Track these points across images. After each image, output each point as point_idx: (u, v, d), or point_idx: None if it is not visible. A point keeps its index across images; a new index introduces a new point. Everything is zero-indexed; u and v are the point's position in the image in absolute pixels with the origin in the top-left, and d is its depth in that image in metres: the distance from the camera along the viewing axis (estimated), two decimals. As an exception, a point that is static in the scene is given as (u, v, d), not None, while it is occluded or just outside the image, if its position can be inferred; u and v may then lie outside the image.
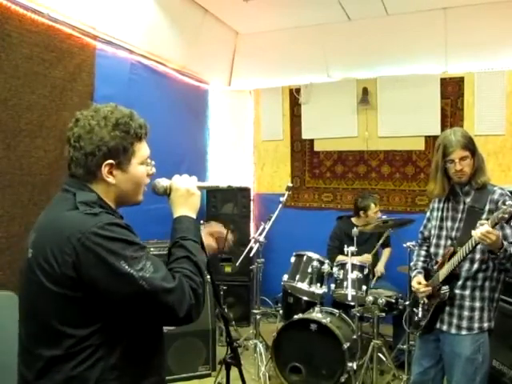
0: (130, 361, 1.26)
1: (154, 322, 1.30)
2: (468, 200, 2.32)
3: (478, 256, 2.24)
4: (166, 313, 1.22)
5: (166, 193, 1.46)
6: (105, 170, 1.29)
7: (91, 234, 1.17)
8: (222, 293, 4.37)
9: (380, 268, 4.12)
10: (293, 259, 3.91)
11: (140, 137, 1.35)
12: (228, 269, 4.95)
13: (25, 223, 2.93)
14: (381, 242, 4.01)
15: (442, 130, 4.58)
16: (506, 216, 1.98)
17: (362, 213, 4.22)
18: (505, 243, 2.11)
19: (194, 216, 1.42)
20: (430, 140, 4.77)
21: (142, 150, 1.37)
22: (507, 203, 2.02)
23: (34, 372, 1.24)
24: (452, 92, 4.70)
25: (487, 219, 2.11)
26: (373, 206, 4.18)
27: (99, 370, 1.21)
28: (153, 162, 1.42)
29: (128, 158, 1.32)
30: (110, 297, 1.19)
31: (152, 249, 3.46)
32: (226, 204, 5.10)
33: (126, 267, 1.17)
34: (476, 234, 2.06)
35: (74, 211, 1.23)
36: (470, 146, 2.26)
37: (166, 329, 3.85)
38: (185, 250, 1.31)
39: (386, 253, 4.35)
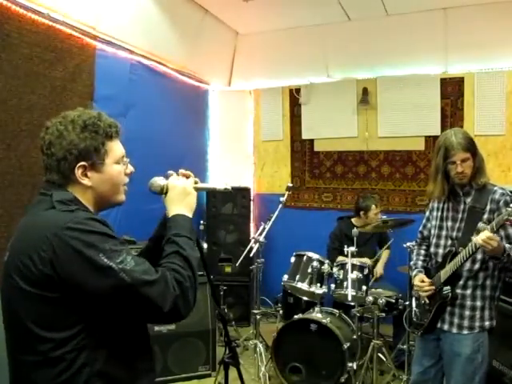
0: (116, 365, 1.23)
1: (137, 317, 1.27)
2: (468, 200, 2.32)
3: (479, 256, 2.23)
4: (148, 307, 1.19)
5: (163, 192, 1.45)
6: (78, 172, 1.28)
7: (68, 229, 1.16)
8: (222, 293, 4.37)
9: (379, 269, 4.11)
10: (293, 259, 3.91)
11: (111, 135, 1.34)
12: (228, 269, 4.95)
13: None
14: (383, 255, 4.09)
15: (442, 130, 4.58)
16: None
17: (362, 213, 4.22)
18: (506, 246, 2.12)
19: (190, 215, 1.41)
20: (430, 140, 4.77)
21: (115, 148, 1.35)
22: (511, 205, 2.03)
23: (20, 379, 1.23)
24: (452, 92, 4.70)
25: (485, 222, 2.11)
26: (373, 207, 4.18)
27: (85, 376, 1.18)
28: (128, 160, 1.41)
29: (101, 158, 1.31)
30: (90, 293, 1.16)
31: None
32: (225, 204, 5.09)
33: (106, 260, 1.15)
34: (477, 240, 2.06)
35: (51, 210, 1.22)
36: (471, 147, 2.26)
37: (166, 328, 3.87)
38: (176, 245, 1.30)
39: (384, 254, 4.35)
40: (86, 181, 1.29)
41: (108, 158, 1.32)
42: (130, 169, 1.41)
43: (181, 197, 1.41)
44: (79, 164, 1.27)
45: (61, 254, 1.14)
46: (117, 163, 1.35)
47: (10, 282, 1.21)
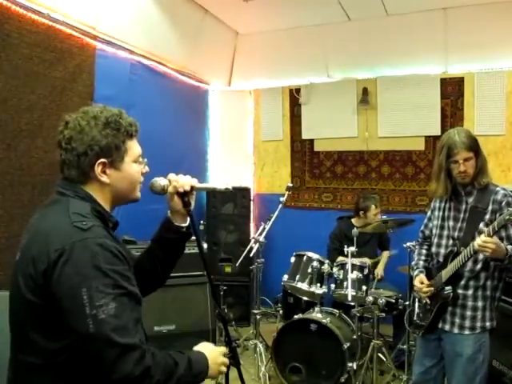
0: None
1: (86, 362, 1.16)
2: (470, 200, 2.32)
3: (481, 256, 2.23)
4: (98, 364, 1.12)
5: (164, 191, 1.47)
6: (98, 169, 1.27)
7: (70, 250, 1.14)
8: (222, 293, 4.37)
9: (379, 271, 4.09)
10: (293, 259, 3.90)
11: (131, 134, 1.34)
12: (228, 269, 4.95)
13: (25, 223, 2.93)
14: (383, 256, 4.13)
15: (442, 130, 4.59)
16: None
17: (361, 213, 4.22)
18: (509, 248, 2.11)
19: (207, 369, 1.35)
20: (430, 140, 4.77)
21: (134, 147, 1.36)
22: None
23: (18, 377, 1.23)
24: (452, 92, 4.70)
25: (488, 223, 2.11)
26: (373, 207, 4.17)
27: None
28: (145, 160, 1.41)
29: (121, 155, 1.31)
30: (63, 319, 1.13)
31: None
32: (225, 204, 5.09)
33: (85, 297, 1.10)
34: (475, 245, 2.07)
35: (65, 220, 1.20)
36: (474, 146, 2.26)
37: (166, 329, 3.85)
38: (180, 359, 1.25)
39: (384, 255, 4.34)
40: (104, 178, 1.29)
41: (127, 156, 1.32)
42: (146, 169, 1.41)
43: (212, 361, 1.38)
44: (99, 161, 1.27)
45: (53, 271, 1.14)
46: (135, 162, 1.35)
47: (16, 281, 1.22)
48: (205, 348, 1.41)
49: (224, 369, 1.42)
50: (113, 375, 1.10)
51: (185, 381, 1.25)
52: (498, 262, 2.16)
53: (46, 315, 1.16)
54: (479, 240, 2.04)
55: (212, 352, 1.40)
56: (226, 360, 1.43)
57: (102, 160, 1.27)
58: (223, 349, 1.44)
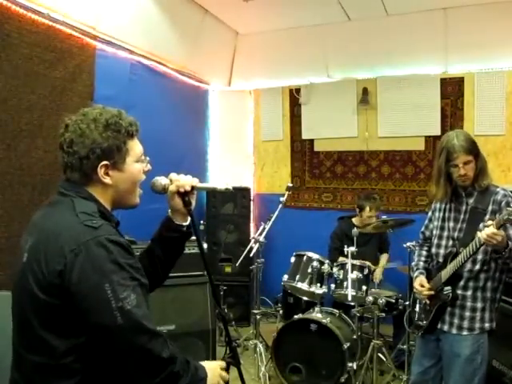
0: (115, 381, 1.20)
1: (124, 366, 1.19)
2: (471, 201, 2.32)
3: (480, 256, 2.23)
4: (141, 355, 1.16)
5: (165, 190, 1.47)
6: (101, 171, 1.28)
7: (85, 249, 1.15)
8: (222, 293, 4.37)
9: (378, 275, 3.99)
10: (293, 259, 3.90)
11: (132, 134, 1.34)
12: (228, 269, 4.95)
13: (25, 223, 2.93)
14: (381, 260, 4.17)
15: (442, 130, 4.59)
16: None
17: (358, 210, 4.23)
18: (510, 243, 2.11)
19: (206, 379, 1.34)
20: (430, 140, 4.77)
21: (136, 147, 1.36)
22: None
23: (24, 377, 1.23)
24: (452, 92, 4.70)
25: (491, 220, 2.11)
26: (367, 208, 4.13)
27: None
28: (148, 159, 1.41)
29: (123, 156, 1.31)
30: (85, 317, 1.15)
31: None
32: (225, 204, 5.09)
33: (109, 292, 1.13)
34: (482, 235, 2.05)
35: (74, 219, 1.21)
36: (473, 149, 2.25)
37: (166, 329, 3.83)
38: (188, 359, 1.29)
39: (383, 258, 4.32)
40: (107, 179, 1.29)
41: (129, 156, 1.33)
42: (149, 167, 1.42)
43: (211, 372, 1.38)
44: (102, 163, 1.27)
45: (70, 271, 1.15)
46: (137, 162, 1.36)
47: (24, 282, 1.21)
48: (203, 362, 1.41)
49: (223, 383, 1.42)
50: (145, 356, 1.15)
51: (192, 381, 1.27)
52: (497, 255, 2.15)
53: (59, 314, 1.16)
54: (489, 231, 2.01)
55: (210, 364, 1.42)
56: (226, 374, 1.43)
57: (105, 162, 1.28)
58: (221, 363, 1.45)
